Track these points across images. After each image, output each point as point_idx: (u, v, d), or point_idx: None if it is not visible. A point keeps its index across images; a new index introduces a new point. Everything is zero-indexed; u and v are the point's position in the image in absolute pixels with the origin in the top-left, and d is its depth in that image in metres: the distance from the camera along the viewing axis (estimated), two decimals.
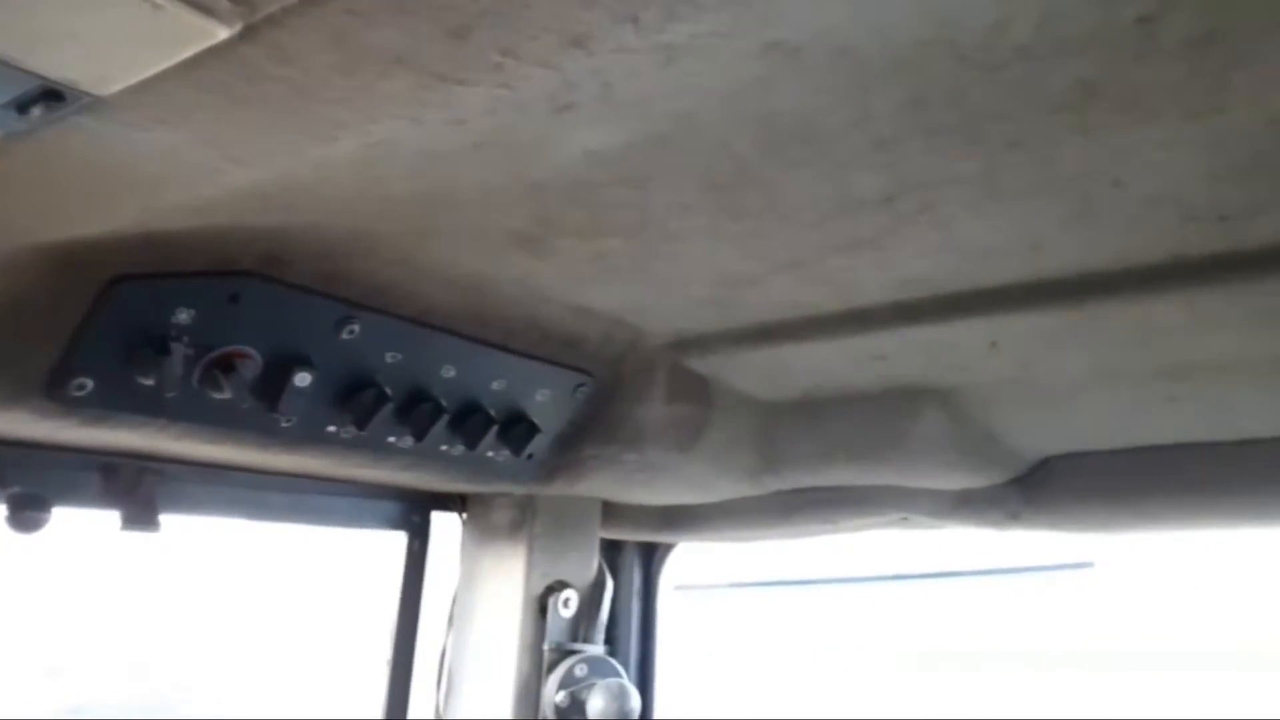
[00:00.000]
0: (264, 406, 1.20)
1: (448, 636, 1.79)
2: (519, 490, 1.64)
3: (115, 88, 0.71)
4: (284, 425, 1.24)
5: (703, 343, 1.45)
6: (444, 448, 1.39)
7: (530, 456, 1.47)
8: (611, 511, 1.91)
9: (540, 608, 1.72)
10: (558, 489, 1.61)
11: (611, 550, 2.19)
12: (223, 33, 0.63)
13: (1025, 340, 1.33)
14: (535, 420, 1.43)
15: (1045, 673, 7.30)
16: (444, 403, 1.33)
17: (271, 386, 1.18)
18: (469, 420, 1.37)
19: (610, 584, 1.83)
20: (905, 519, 1.85)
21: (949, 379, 1.49)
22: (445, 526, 1.82)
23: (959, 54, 0.73)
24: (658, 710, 2.24)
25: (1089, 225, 1.05)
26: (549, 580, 1.74)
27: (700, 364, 1.51)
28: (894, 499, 1.78)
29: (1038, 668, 7.32)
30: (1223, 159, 0.89)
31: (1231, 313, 1.20)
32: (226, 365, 1.14)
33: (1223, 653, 6.91)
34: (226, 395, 1.14)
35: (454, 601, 1.81)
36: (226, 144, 0.84)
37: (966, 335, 1.33)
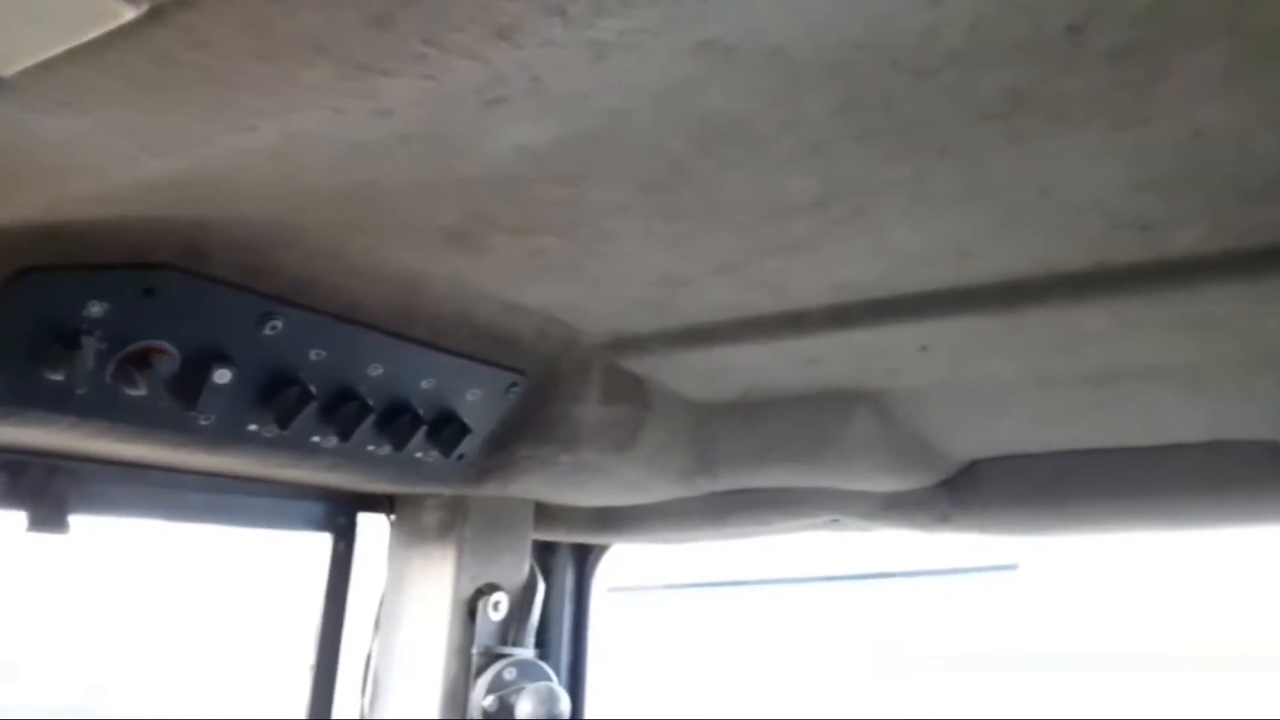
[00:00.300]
0: (181, 404, 1.16)
1: (374, 640, 1.76)
2: (449, 491, 1.61)
3: (15, 68, 0.68)
4: (202, 423, 1.20)
5: (639, 343, 1.44)
6: (371, 448, 1.35)
7: (461, 457, 1.45)
8: (544, 513, 1.89)
9: (469, 611, 1.69)
10: (489, 490, 1.59)
11: (544, 552, 2.16)
12: (128, 12, 0.61)
13: (954, 345, 1.35)
14: (466, 420, 1.40)
15: (970, 673, 7.44)
16: (371, 402, 1.29)
17: (189, 383, 1.14)
18: (397, 420, 1.34)
19: (542, 586, 1.80)
20: (836, 521, 1.87)
21: (880, 382, 1.51)
22: (372, 528, 1.79)
23: (891, 58, 0.73)
24: (589, 713, 2.23)
25: (1017, 232, 1.06)
26: (479, 583, 1.71)
27: (636, 364, 1.50)
28: (826, 501, 1.79)
29: (962, 669, 7.47)
30: (1146, 170, 0.91)
31: (1154, 320, 1.23)
32: (142, 361, 1.10)
33: (1144, 654, 7.13)
34: (141, 392, 1.10)
35: (381, 604, 1.77)
36: (138, 131, 0.80)
37: (897, 339, 1.34)
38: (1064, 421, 1.56)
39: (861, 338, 1.34)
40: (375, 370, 1.28)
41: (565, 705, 1.65)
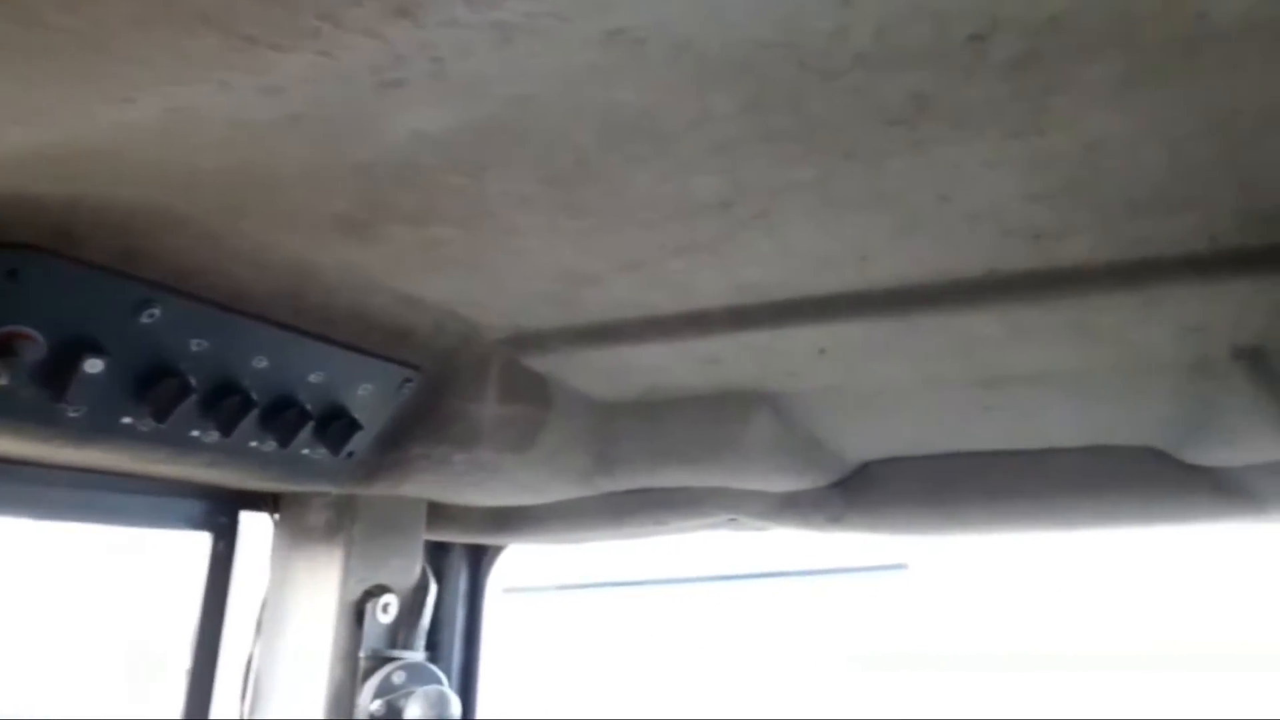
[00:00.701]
0: (48, 395, 1.08)
1: (255, 643, 1.68)
2: (337, 490, 1.55)
3: None
4: (71, 415, 1.12)
5: (541, 340, 1.41)
6: (254, 444, 1.29)
7: (350, 455, 1.39)
8: (437, 513, 1.84)
9: (357, 613, 1.64)
10: (380, 489, 1.53)
11: (437, 552, 2.11)
12: None
13: (852, 348, 1.36)
14: (356, 416, 1.35)
15: (864, 672, 7.63)
16: (254, 395, 1.23)
17: (57, 373, 1.07)
18: (282, 415, 1.28)
19: (434, 588, 1.76)
20: (734, 520, 1.88)
21: (780, 384, 1.52)
22: (255, 527, 1.71)
23: (799, 58, 0.72)
24: (480, 715, 2.19)
25: (915, 237, 1.08)
26: (367, 585, 1.66)
27: (538, 362, 1.47)
28: (724, 500, 1.80)
29: (857, 667, 7.65)
30: (1039, 180, 0.93)
31: (1042, 327, 1.26)
32: (4, 348, 1.02)
33: (1029, 654, 7.43)
34: (3, 381, 1.02)
35: (264, 606, 1.70)
36: (2, 99, 0.74)
37: (797, 341, 1.35)
38: (953, 424, 1.60)
39: (762, 339, 1.34)
40: (260, 362, 1.22)
41: (455, 708, 1.61)
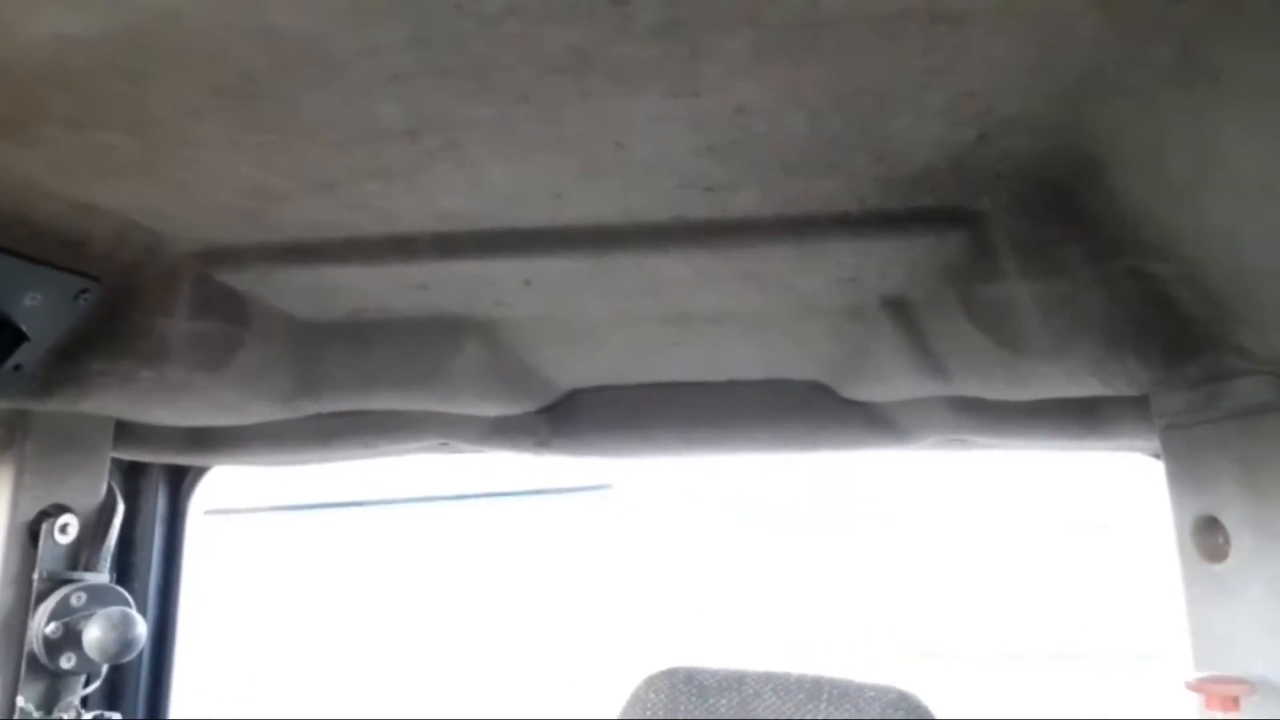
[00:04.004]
0: None
1: None
2: (4, 404, 1.44)
3: None
4: None
5: (235, 256, 1.36)
6: None
7: (18, 368, 1.30)
8: (130, 432, 1.75)
9: (31, 534, 1.55)
10: (56, 405, 1.44)
11: (131, 472, 2.02)
12: None
13: (554, 282, 1.42)
14: (23, 327, 1.26)
15: (571, 587, 7.99)
16: None
17: None
18: None
19: (120, 508, 1.68)
20: (445, 444, 1.91)
21: (489, 312, 1.55)
22: None
23: (454, 2, 0.75)
24: (179, 640, 2.13)
25: (601, 181, 1.14)
26: (43, 504, 1.57)
27: (233, 279, 1.42)
28: (434, 425, 1.83)
29: (561, 583, 8.00)
30: (702, 137, 1.01)
31: (722, 272, 1.37)
32: None
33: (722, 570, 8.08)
34: None
35: None
36: None
37: (502, 272, 1.39)
38: (648, 357, 1.71)
39: (468, 268, 1.37)
40: None
41: (140, 629, 1.56)
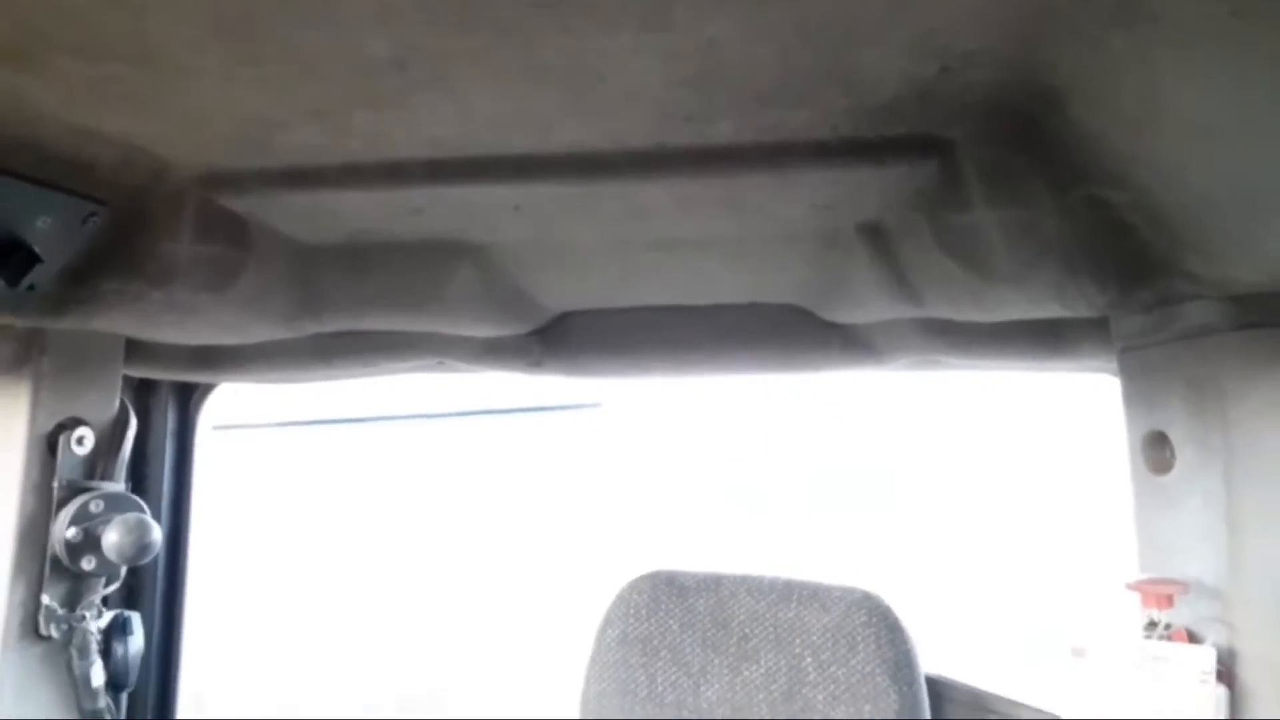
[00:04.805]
0: None
1: None
2: (20, 323, 1.52)
3: None
4: None
5: (237, 181, 1.42)
6: None
7: (32, 288, 1.37)
8: (140, 349, 1.83)
9: (50, 445, 1.64)
10: (70, 323, 1.51)
11: (142, 389, 2.10)
12: None
13: (543, 207, 1.48)
14: (36, 249, 1.33)
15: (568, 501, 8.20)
16: None
17: None
18: None
19: (134, 422, 1.77)
20: (441, 363, 1.99)
21: (482, 237, 1.61)
22: None
23: None
24: (192, 549, 2.24)
25: (585, 111, 1.19)
26: (60, 418, 1.65)
27: (235, 203, 1.47)
28: (431, 345, 1.90)
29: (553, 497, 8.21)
30: (678, 69, 1.06)
31: (703, 199, 1.43)
32: None
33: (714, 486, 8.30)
34: None
35: None
36: None
37: (493, 198, 1.44)
38: (636, 282, 1.77)
39: (460, 194, 1.42)
40: None
41: (156, 535, 1.66)
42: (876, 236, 1.50)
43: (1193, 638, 1.28)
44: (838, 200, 1.41)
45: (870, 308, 1.68)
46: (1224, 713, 1.21)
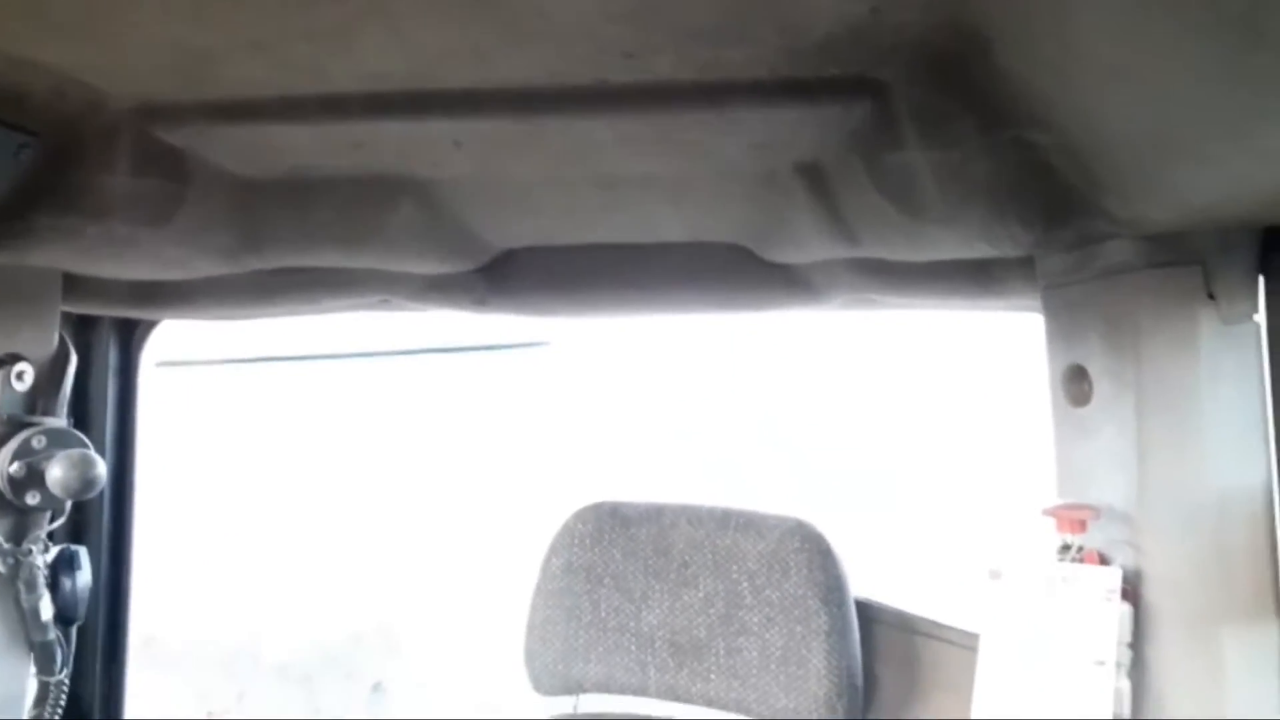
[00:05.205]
0: None
1: None
2: None
3: None
4: None
5: (175, 113, 1.40)
6: None
7: None
8: (78, 285, 1.81)
9: None
10: (5, 258, 1.50)
11: (82, 325, 2.08)
12: None
13: (484, 143, 1.48)
14: None
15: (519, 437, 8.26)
16: None
17: None
18: None
19: (74, 358, 1.76)
20: (386, 301, 2.00)
21: (424, 172, 1.61)
22: None
23: None
24: (137, 486, 2.24)
25: (524, 45, 1.19)
26: None
27: (173, 135, 1.46)
28: (374, 281, 1.90)
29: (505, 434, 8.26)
30: (616, 5, 1.07)
31: (645, 137, 1.44)
32: None
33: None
34: None
35: None
36: None
37: (434, 133, 1.44)
38: (580, 219, 1.79)
39: (400, 129, 1.42)
40: None
41: (100, 469, 1.66)
42: (814, 176, 1.54)
43: (1104, 560, 1.36)
44: (775, 140, 1.44)
45: (809, 247, 1.72)
46: (1127, 627, 1.29)
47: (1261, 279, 1.27)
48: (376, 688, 7.05)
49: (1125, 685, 1.28)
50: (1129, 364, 1.34)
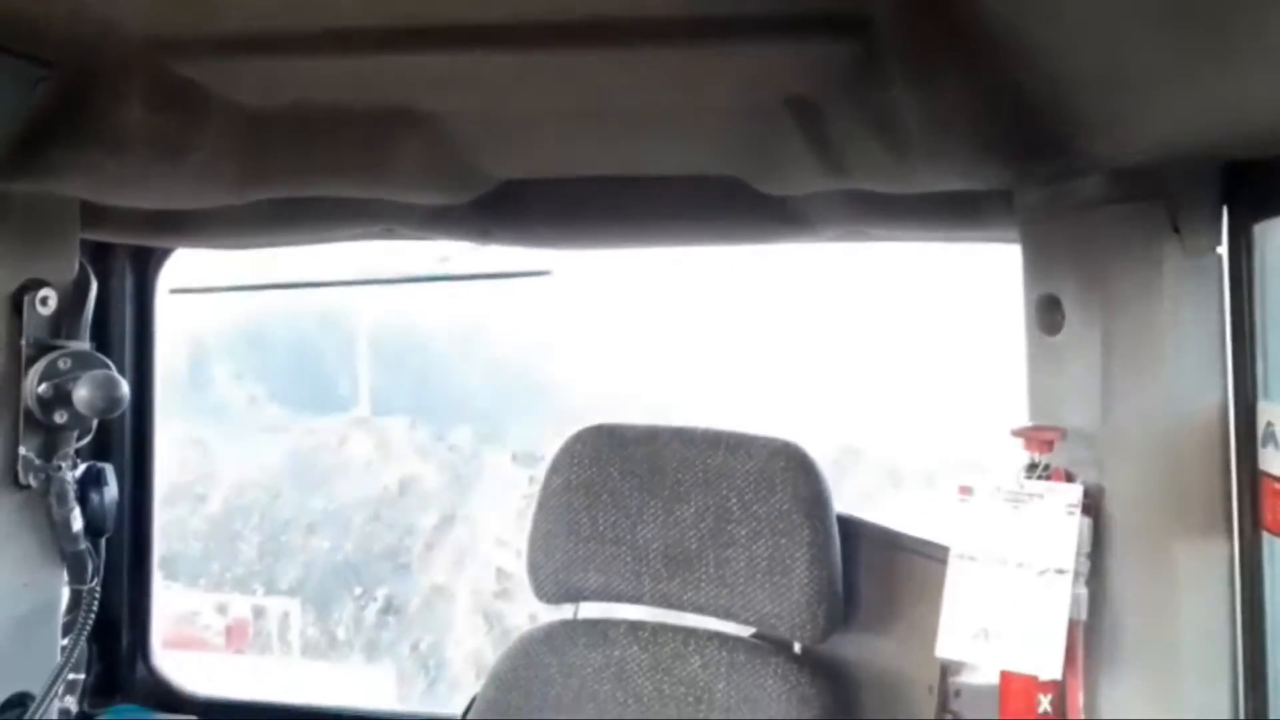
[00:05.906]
0: None
1: None
2: None
3: None
4: None
5: (185, 46, 1.44)
6: None
7: None
8: (95, 213, 1.87)
9: (15, 306, 1.70)
10: (25, 186, 1.56)
11: (99, 252, 2.15)
12: None
13: (486, 77, 1.53)
14: None
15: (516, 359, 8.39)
16: None
17: None
18: None
19: (94, 284, 1.83)
20: (390, 230, 2.06)
21: (429, 105, 1.66)
22: None
23: None
24: (158, 407, 2.34)
25: None
26: (22, 279, 1.71)
27: (185, 68, 1.49)
28: (380, 212, 1.96)
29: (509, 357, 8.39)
30: None
31: (644, 70, 1.48)
32: None
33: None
34: None
35: None
36: None
37: (439, 67, 1.48)
38: (578, 152, 1.84)
39: (402, 63, 1.46)
40: None
41: (124, 389, 1.75)
42: (803, 110, 1.58)
43: (1069, 478, 1.44)
44: (767, 74, 1.48)
45: (800, 180, 1.77)
46: (1087, 539, 1.38)
47: (1225, 211, 1.33)
48: None
49: (1083, 592, 1.38)
50: (1098, 294, 1.41)
